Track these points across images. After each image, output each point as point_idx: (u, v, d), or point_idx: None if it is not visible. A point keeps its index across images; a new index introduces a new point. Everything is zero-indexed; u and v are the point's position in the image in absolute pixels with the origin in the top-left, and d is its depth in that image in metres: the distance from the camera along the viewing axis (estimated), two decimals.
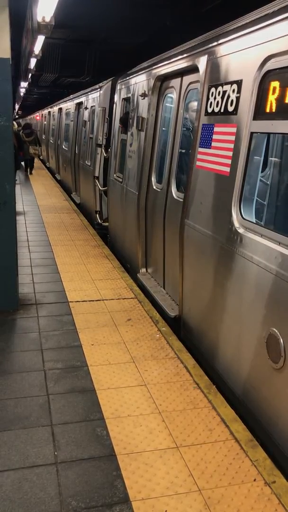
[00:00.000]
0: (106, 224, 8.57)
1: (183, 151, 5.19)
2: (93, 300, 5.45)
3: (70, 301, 5.40)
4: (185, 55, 4.89)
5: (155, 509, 2.52)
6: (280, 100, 3.12)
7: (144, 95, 6.12)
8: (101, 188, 8.86)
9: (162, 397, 3.57)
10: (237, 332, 3.56)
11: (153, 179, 5.97)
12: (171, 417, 3.32)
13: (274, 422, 3.06)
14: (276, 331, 2.97)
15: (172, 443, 3.05)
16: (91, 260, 7.10)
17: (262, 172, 5.08)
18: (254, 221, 3.54)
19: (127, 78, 7.37)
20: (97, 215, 9.27)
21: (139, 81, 6.56)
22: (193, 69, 4.61)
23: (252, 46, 3.45)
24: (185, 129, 5.24)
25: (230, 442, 3.09)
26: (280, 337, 2.92)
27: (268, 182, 4.95)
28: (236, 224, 3.56)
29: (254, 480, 2.76)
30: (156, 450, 2.98)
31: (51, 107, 21.67)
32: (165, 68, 5.50)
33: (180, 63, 5.03)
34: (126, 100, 7.33)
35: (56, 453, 2.93)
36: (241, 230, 3.50)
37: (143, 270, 6.33)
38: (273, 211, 4.22)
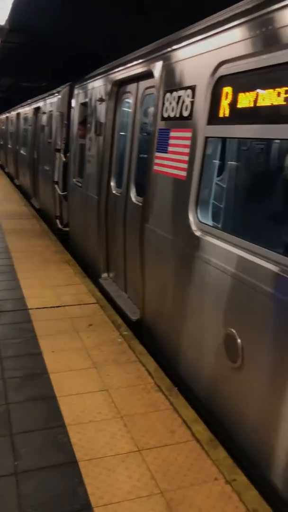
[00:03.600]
0: (67, 229, 8.50)
1: (141, 155, 5.23)
2: (53, 307, 5.39)
3: (30, 308, 5.32)
4: (140, 60, 4.95)
5: None
6: (232, 105, 3.19)
7: (101, 100, 6.15)
8: (60, 193, 8.79)
9: (124, 401, 3.57)
10: (197, 333, 3.61)
11: (113, 183, 5.98)
12: (133, 421, 3.32)
13: (234, 421, 3.11)
14: (234, 331, 3.02)
15: (134, 447, 3.05)
16: (52, 266, 7.02)
17: (219, 176, 5.21)
18: (211, 224, 3.61)
19: (85, 83, 7.37)
20: (57, 220, 9.18)
21: (97, 86, 6.57)
22: (149, 74, 4.66)
23: (205, 52, 3.52)
24: (145, 133, 5.29)
25: (191, 443, 3.12)
26: (238, 337, 2.98)
27: (224, 186, 5.06)
28: (194, 227, 3.61)
29: (215, 479, 2.79)
30: (118, 455, 2.97)
31: (8, 112, 21.37)
32: (121, 73, 5.57)
33: (136, 69, 5.08)
34: (84, 105, 7.33)
35: (16, 463, 2.87)
36: (198, 233, 3.55)
37: (105, 274, 6.31)
38: (229, 214, 4.31)
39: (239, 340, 2.97)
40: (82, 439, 3.12)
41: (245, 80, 3.10)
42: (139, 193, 5.16)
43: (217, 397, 3.33)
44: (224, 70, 3.28)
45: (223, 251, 3.19)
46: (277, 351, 2.65)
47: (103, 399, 3.58)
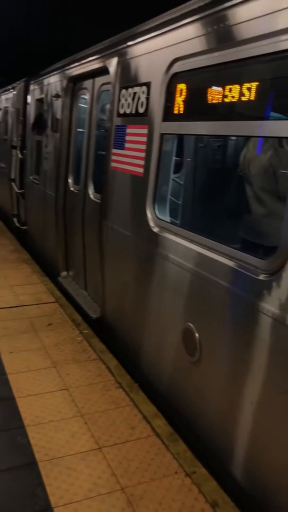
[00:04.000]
0: (25, 227, 8.36)
1: (99, 152, 5.20)
2: (11, 307, 5.29)
3: None
4: (96, 56, 4.90)
5: None
6: (187, 102, 3.23)
7: (57, 96, 6.09)
8: (17, 191, 8.63)
9: (84, 399, 3.55)
10: (157, 329, 3.63)
11: (70, 180, 5.93)
12: (94, 419, 3.31)
13: (194, 415, 3.15)
14: (192, 326, 3.06)
15: (94, 445, 3.04)
16: (9, 265, 6.88)
17: (177, 173, 5.25)
18: (169, 221, 3.63)
19: (41, 78, 7.26)
20: (15, 218, 9.02)
21: (52, 82, 6.49)
22: (105, 70, 4.63)
23: (160, 49, 3.54)
24: (102, 130, 5.27)
25: (152, 438, 3.14)
26: (196, 331, 3.02)
27: (182, 183, 5.12)
28: (151, 223, 3.62)
29: (175, 472, 2.82)
30: (79, 453, 2.96)
31: None
32: (77, 69, 5.51)
33: (91, 65, 5.04)
34: (40, 101, 7.23)
35: None
36: (156, 230, 3.56)
37: (64, 273, 6.25)
38: (186, 211, 4.34)
39: (196, 335, 3.01)
40: (42, 439, 3.08)
41: (199, 77, 3.15)
42: (97, 190, 5.14)
43: (177, 391, 3.37)
44: (178, 67, 3.31)
45: (181, 247, 3.21)
46: (234, 344, 2.70)
47: (63, 398, 3.55)
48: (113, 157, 4.33)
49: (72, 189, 5.85)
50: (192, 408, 3.18)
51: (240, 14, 2.65)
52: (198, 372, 3.05)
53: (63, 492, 2.64)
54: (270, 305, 2.35)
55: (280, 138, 3.26)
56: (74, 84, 5.74)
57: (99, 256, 4.68)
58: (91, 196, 5.24)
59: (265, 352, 2.42)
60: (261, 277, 2.44)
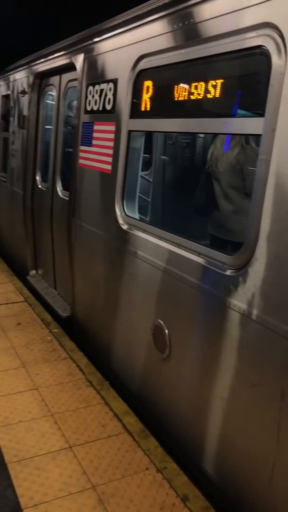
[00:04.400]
0: None
1: (67, 149, 5.16)
2: None
3: None
4: (62, 52, 4.86)
5: None
6: (153, 99, 3.23)
7: (24, 92, 6.02)
8: None
9: (55, 398, 3.52)
10: (127, 327, 3.63)
11: (38, 178, 5.86)
12: (64, 418, 3.29)
13: (165, 411, 3.17)
14: (162, 322, 3.08)
15: (65, 444, 3.02)
16: None
17: (147, 170, 5.26)
18: (138, 218, 3.63)
19: (6, 74, 7.14)
20: None
21: (19, 78, 6.39)
22: (72, 66, 4.59)
23: (126, 46, 3.53)
24: (69, 127, 5.23)
25: (123, 435, 3.14)
26: (165, 327, 3.04)
27: (150, 180, 5.13)
28: (120, 221, 3.61)
29: (147, 468, 2.83)
30: (49, 453, 2.93)
31: None
32: (44, 65, 5.45)
33: (58, 61, 4.98)
34: (6, 97, 7.11)
35: None
36: (125, 227, 3.56)
37: (33, 272, 6.18)
38: (155, 208, 4.35)
39: (166, 331, 3.02)
40: (11, 440, 3.03)
41: (165, 74, 3.16)
42: (65, 187, 5.09)
43: (148, 388, 3.38)
44: (144, 64, 3.31)
45: (149, 244, 3.22)
46: (203, 340, 2.73)
47: (33, 398, 3.51)
48: (81, 154, 4.30)
49: (40, 186, 5.78)
50: (163, 405, 3.19)
51: (206, 11, 2.64)
52: (169, 368, 3.07)
53: (33, 493, 2.61)
54: (237, 300, 2.38)
55: (245, 136, 3.30)
56: (41, 80, 5.67)
57: (68, 254, 4.64)
58: (60, 193, 5.19)
59: (233, 347, 2.45)
60: (228, 272, 2.47)
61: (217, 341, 2.55)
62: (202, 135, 5.06)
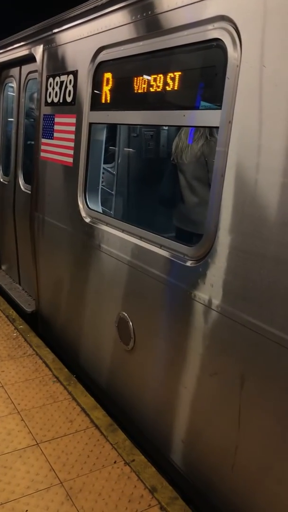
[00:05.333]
0: None
1: (29, 142, 5.08)
2: None
3: None
4: (22, 43, 4.75)
5: (15, 511, 2.45)
6: (113, 91, 3.21)
7: None
8: None
9: (21, 395, 3.47)
10: (92, 320, 3.61)
11: (0, 172, 5.76)
12: (31, 415, 3.25)
13: (132, 404, 3.17)
14: (126, 314, 3.07)
15: (32, 441, 2.99)
16: None
17: (111, 163, 5.22)
18: (101, 211, 3.60)
19: None
20: None
21: None
22: (32, 58, 4.50)
23: (85, 37, 3.48)
24: (31, 119, 5.13)
25: (90, 430, 3.13)
26: (129, 320, 3.03)
27: (114, 172, 5.09)
28: (83, 214, 3.59)
29: (115, 462, 2.83)
30: (15, 451, 2.89)
31: None
32: (2, 57, 5.34)
33: (17, 52, 4.88)
34: None
35: None
36: (87, 220, 3.54)
37: None
38: (119, 201, 4.31)
39: (130, 324, 3.02)
40: None
41: (124, 66, 3.14)
42: (27, 180, 5.01)
43: (115, 381, 3.38)
44: (104, 56, 3.27)
45: (112, 237, 3.21)
46: (166, 331, 2.74)
47: None
48: (42, 147, 4.24)
49: (1, 180, 5.71)
50: (129, 397, 3.20)
51: (165, 3, 2.62)
52: (132, 359, 3.07)
53: None
54: (197, 291, 2.41)
55: (204, 128, 3.32)
56: (0, 72, 5.57)
57: (32, 248, 4.57)
58: (22, 187, 5.12)
59: (194, 336, 2.48)
60: (189, 264, 2.49)
61: (180, 331, 2.58)
62: (166, 127, 5.06)
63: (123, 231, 3.12)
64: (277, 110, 1.96)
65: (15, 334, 4.46)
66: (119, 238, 3.13)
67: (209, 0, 2.30)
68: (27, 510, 2.45)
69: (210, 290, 2.33)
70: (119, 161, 5.12)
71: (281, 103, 1.94)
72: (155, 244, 2.80)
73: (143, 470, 2.77)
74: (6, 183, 5.55)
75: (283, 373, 1.98)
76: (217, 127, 2.29)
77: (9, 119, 5.69)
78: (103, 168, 4.56)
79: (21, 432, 3.07)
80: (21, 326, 4.62)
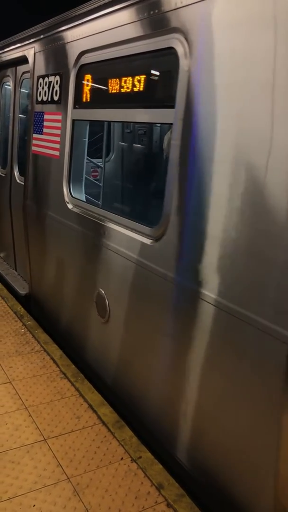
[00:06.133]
0: None
1: (26, 137, 5.34)
2: None
3: None
4: (17, 45, 5.12)
5: (23, 506, 2.47)
6: (92, 91, 3.59)
7: None
8: None
9: (29, 391, 3.49)
10: (75, 298, 4.01)
11: None
12: (38, 411, 3.27)
13: (104, 366, 3.51)
14: (102, 291, 3.41)
15: (39, 436, 3.01)
16: None
17: (107, 157, 5.84)
18: (83, 199, 3.96)
19: None
20: None
21: None
22: (25, 59, 4.84)
23: (70, 42, 3.84)
24: (26, 116, 5.42)
25: (98, 426, 3.14)
26: (105, 295, 3.38)
27: (102, 165, 5.56)
28: (67, 202, 3.94)
29: (122, 458, 2.85)
30: (23, 446, 2.91)
31: None
32: (1, 57, 5.73)
33: (13, 53, 5.24)
34: None
35: None
36: (70, 206, 3.89)
37: None
38: (98, 190, 4.77)
39: (106, 298, 3.37)
40: None
41: (101, 69, 3.50)
42: (22, 173, 5.31)
43: (93, 349, 3.76)
44: (84, 59, 3.63)
45: (93, 222, 3.53)
46: (139, 306, 3.07)
47: (6, 391, 3.48)
48: (34, 142, 4.61)
49: None
50: (104, 363, 3.56)
51: (135, 14, 2.93)
52: (107, 330, 3.44)
53: (7, 486, 2.59)
54: (157, 266, 2.77)
55: (161, 124, 3.80)
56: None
57: (24, 235, 4.91)
58: (17, 179, 5.47)
59: (154, 304, 2.85)
60: (149, 242, 2.87)
61: (144, 301, 2.97)
62: (158, 125, 5.46)
63: (102, 217, 3.44)
64: (221, 109, 2.30)
65: (23, 330, 4.48)
66: (98, 224, 3.45)
67: (166, 14, 2.64)
68: (34, 505, 2.47)
69: (165, 264, 2.70)
70: (107, 157, 5.73)
71: (224, 104, 2.28)
72: (124, 226, 3.17)
73: (149, 467, 2.78)
74: (3, 175, 5.90)
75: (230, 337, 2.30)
76: (171, 124, 2.63)
77: (7, 116, 5.99)
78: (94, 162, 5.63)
79: (28, 428, 3.09)
80: (29, 323, 4.65)
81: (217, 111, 2.30)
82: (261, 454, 2.17)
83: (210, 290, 2.36)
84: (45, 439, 2.99)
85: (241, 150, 2.18)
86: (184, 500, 2.55)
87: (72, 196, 3.89)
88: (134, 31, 2.95)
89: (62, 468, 2.75)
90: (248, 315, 2.14)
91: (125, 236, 3.11)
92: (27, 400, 3.39)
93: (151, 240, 2.84)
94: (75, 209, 3.81)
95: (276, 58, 1.97)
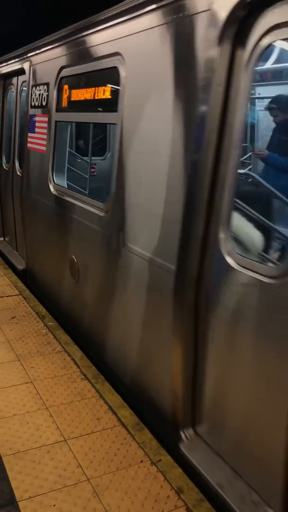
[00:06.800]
0: None
1: (22, 135, 6.36)
2: None
3: None
4: (17, 59, 6.22)
5: (43, 506, 2.49)
6: (68, 98, 4.50)
7: None
8: None
9: (49, 392, 3.52)
10: (54, 265, 4.94)
11: (4, 160, 7.28)
12: (59, 411, 3.29)
13: (77, 320, 4.40)
14: (74, 257, 4.33)
15: (60, 437, 3.03)
16: None
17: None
18: (61, 185, 4.84)
19: None
20: None
21: None
22: (24, 71, 5.87)
23: (53, 59, 4.86)
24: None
25: (117, 428, 3.15)
26: (76, 260, 4.29)
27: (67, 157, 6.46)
28: (51, 187, 4.88)
29: (141, 461, 2.85)
30: (44, 446, 2.94)
31: None
32: (5, 68, 6.82)
33: (15, 65, 6.31)
34: None
35: None
36: (53, 192, 4.84)
37: (1, 238, 7.58)
38: (70, 177, 5.50)
39: (76, 262, 4.25)
40: (6, 433, 3.04)
41: (73, 81, 4.46)
42: (21, 166, 6.21)
43: (64, 306, 4.72)
44: (63, 73, 4.60)
45: (67, 202, 4.47)
46: (104, 268, 3.79)
47: (28, 391, 3.52)
48: (29, 139, 5.62)
49: (4, 167, 7.20)
50: (76, 316, 4.43)
51: (93, 39, 3.93)
52: (78, 288, 4.33)
53: (27, 485, 2.62)
54: (108, 232, 3.64)
55: (106, 124, 5.10)
56: (5, 80, 7.13)
57: (21, 219, 5.94)
58: (17, 171, 6.50)
59: (110, 263, 3.60)
60: (102, 214, 3.75)
61: (104, 264, 3.75)
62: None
63: (74, 198, 4.37)
64: (136, 114, 3.18)
65: (44, 331, 4.53)
66: (70, 203, 4.38)
67: (111, 42, 3.57)
68: (55, 505, 2.49)
69: (114, 231, 3.50)
70: (72, 148, 7.26)
71: (138, 109, 3.16)
72: (90, 205, 4.01)
73: (169, 470, 2.77)
74: (7, 169, 7.03)
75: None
76: (115, 124, 3.47)
77: (11, 117, 7.07)
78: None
79: (49, 428, 3.12)
80: (50, 323, 4.69)
81: (135, 116, 3.22)
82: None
83: (134, 244, 3.27)
84: (65, 440, 3.01)
85: (146, 144, 3.05)
86: (204, 505, 2.53)
87: (55, 183, 4.85)
88: (93, 53, 3.95)
89: (82, 469, 2.76)
90: (154, 258, 3.01)
91: (87, 211, 4.04)
92: (48, 400, 3.42)
93: (103, 213, 3.74)
94: (55, 193, 4.81)
95: (165, 76, 2.87)
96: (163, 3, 2.85)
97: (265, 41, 2.20)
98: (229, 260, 2.43)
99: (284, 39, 2.15)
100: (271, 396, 2.22)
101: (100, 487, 2.62)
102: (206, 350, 2.65)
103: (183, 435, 2.84)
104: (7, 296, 5.34)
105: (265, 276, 2.20)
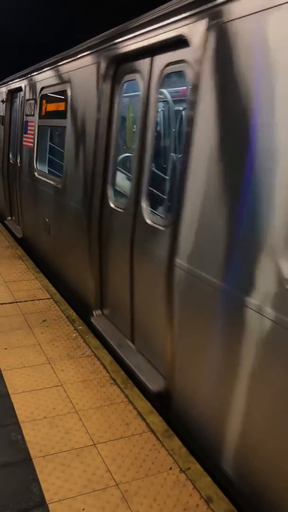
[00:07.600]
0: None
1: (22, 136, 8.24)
2: (5, 303, 5.27)
3: None
4: (16, 80, 8.37)
5: (72, 509, 2.50)
6: (45, 109, 6.46)
7: (3, 101, 9.43)
8: None
9: (79, 395, 3.55)
10: (36, 227, 6.84)
11: (11, 156, 8.93)
12: (88, 415, 3.31)
13: (53, 270, 6.28)
14: (47, 219, 6.21)
15: (89, 441, 3.04)
16: (4, 261, 6.86)
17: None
18: (40, 169, 6.78)
19: None
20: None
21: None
22: (22, 89, 7.85)
23: (39, 81, 6.75)
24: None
25: (146, 434, 3.14)
26: (48, 220, 6.20)
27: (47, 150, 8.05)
28: (35, 172, 6.85)
29: (170, 468, 2.83)
30: (73, 450, 2.95)
31: None
32: (11, 86, 8.83)
33: (16, 84, 8.30)
34: None
35: None
36: (36, 174, 6.81)
37: (9, 218, 9.34)
38: (45, 163, 7.10)
39: (48, 222, 6.14)
40: (36, 435, 3.07)
41: (48, 98, 6.38)
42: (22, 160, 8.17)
43: (46, 251, 6.58)
44: (44, 91, 6.54)
45: (43, 181, 6.36)
46: (67, 226, 5.37)
47: (58, 394, 3.55)
48: (24, 139, 7.58)
49: (11, 161, 8.89)
50: (47, 256, 6.42)
51: (61, 70, 5.69)
52: (50, 241, 6.22)
53: (57, 488, 2.64)
54: (66, 200, 5.33)
55: (60, 127, 6.06)
56: (11, 95, 9.01)
57: (19, 197, 8.01)
58: (18, 164, 8.09)
59: (69, 224, 5.30)
60: (60, 186, 5.62)
61: (66, 223, 5.45)
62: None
63: (47, 177, 6.22)
64: (81, 118, 4.90)
65: (74, 335, 4.57)
66: (45, 182, 6.26)
67: (65, 73, 5.50)
68: (84, 509, 2.50)
69: (68, 198, 5.20)
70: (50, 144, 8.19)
71: (79, 116, 4.96)
72: (53, 180, 5.87)
73: (198, 479, 2.74)
74: (13, 162, 8.74)
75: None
76: (65, 127, 5.31)
77: (17, 123, 8.68)
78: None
79: (78, 432, 3.13)
80: (80, 327, 4.73)
81: (75, 120, 4.99)
82: None
83: (71, 200, 5.09)
84: (94, 444, 3.02)
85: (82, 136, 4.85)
86: None
87: (37, 168, 6.81)
88: (57, 79, 5.84)
89: (111, 473, 2.77)
90: (76, 206, 4.90)
91: (53, 185, 5.85)
92: (77, 404, 3.44)
93: (59, 186, 5.63)
94: (38, 176, 6.70)
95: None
96: (84, 54, 4.95)
97: (125, 79, 4.19)
98: (111, 204, 4.37)
99: (130, 80, 4.14)
100: (138, 279, 3.89)
101: (128, 493, 2.62)
102: (106, 261, 4.52)
103: (94, 313, 4.75)
104: (38, 300, 5.42)
105: (118, 207, 4.24)
